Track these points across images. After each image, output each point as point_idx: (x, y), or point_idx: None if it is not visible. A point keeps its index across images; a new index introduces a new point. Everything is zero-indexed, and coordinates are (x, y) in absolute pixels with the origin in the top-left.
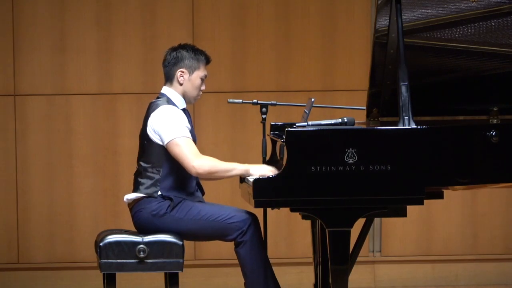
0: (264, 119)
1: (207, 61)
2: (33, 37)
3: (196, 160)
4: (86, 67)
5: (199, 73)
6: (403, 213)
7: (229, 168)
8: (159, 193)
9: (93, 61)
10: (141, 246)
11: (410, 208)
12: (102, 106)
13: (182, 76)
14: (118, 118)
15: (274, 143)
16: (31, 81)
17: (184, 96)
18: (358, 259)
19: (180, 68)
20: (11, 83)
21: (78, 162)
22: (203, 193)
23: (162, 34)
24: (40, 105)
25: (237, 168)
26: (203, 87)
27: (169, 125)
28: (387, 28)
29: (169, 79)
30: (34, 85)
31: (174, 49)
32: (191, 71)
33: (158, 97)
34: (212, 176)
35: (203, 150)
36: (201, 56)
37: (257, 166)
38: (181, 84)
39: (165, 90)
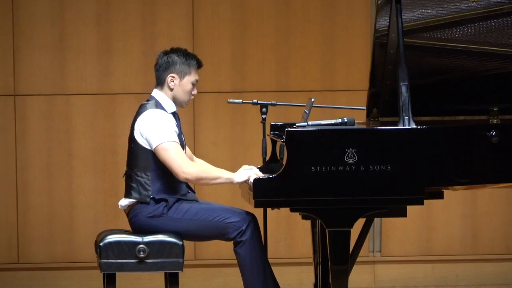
0: (264, 119)
1: (199, 65)
2: (33, 37)
3: (186, 166)
4: (86, 67)
5: (190, 78)
6: (403, 213)
7: (215, 176)
8: (151, 196)
9: (93, 61)
10: (141, 246)
11: (410, 208)
12: (102, 106)
13: (173, 81)
14: (118, 118)
15: (274, 143)
16: (31, 81)
17: (175, 100)
18: (358, 259)
19: (171, 73)
20: (11, 83)
21: (78, 162)
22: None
23: (162, 34)
24: (40, 105)
25: (222, 177)
26: (194, 92)
27: (156, 129)
28: (387, 28)
29: (160, 83)
30: (34, 85)
31: (165, 53)
32: (181, 76)
33: (148, 100)
34: (198, 183)
35: (203, 150)
36: (192, 60)
37: (238, 173)
38: (171, 89)
39: (155, 93)
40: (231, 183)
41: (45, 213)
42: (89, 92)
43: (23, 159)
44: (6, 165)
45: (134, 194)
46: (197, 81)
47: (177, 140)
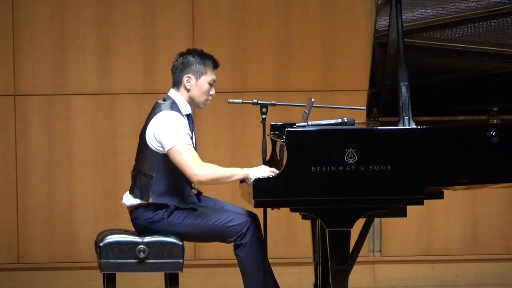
0: (264, 119)
1: (215, 65)
2: (33, 37)
3: (198, 169)
4: (86, 67)
5: (207, 77)
6: (403, 213)
7: (230, 175)
8: (151, 200)
9: (93, 61)
10: (141, 246)
11: (410, 208)
12: (102, 106)
13: (189, 82)
14: (118, 118)
15: (274, 143)
16: (31, 81)
17: (192, 101)
18: (358, 259)
19: (187, 74)
20: (11, 83)
21: (78, 162)
22: (200, 193)
23: (162, 34)
24: (40, 105)
25: (237, 173)
26: (212, 92)
27: (170, 132)
28: (387, 28)
29: (176, 84)
30: (34, 85)
31: (181, 54)
32: (197, 76)
33: (164, 99)
34: (213, 183)
35: (203, 151)
36: (207, 60)
37: (256, 169)
38: (188, 90)
39: (172, 93)
40: (247, 178)
41: (45, 213)
42: (89, 92)
43: (23, 159)
44: (6, 165)
45: (136, 191)
46: (214, 81)
47: (191, 142)
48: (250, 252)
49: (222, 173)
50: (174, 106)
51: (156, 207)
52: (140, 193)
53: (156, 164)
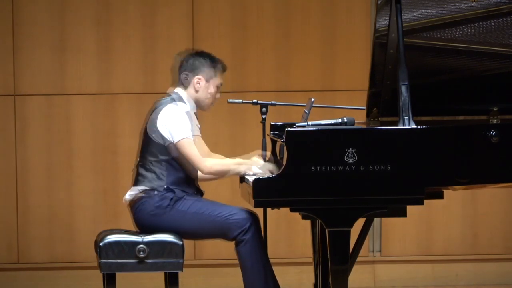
0: (264, 119)
1: (223, 69)
2: (33, 37)
3: (208, 160)
4: (86, 67)
5: (215, 81)
6: (403, 213)
7: (232, 168)
8: (165, 186)
9: (93, 61)
10: (141, 246)
11: (410, 208)
12: (102, 106)
13: (199, 83)
14: (118, 118)
15: (274, 143)
16: (31, 81)
17: (197, 102)
18: (358, 259)
19: (197, 75)
20: (11, 83)
21: (78, 162)
22: (202, 194)
23: (162, 34)
24: (40, 105)
25: (234, 168)
26: (218, 95)
27: (179, 123)
28: (387, 28)
29: (183, 83)
30: (34, 85)
31: (191, 55)
32: (208, 79)
33: (168, 95)
34: (219, 175)
35: None
36: (218, 64)
37: (242, 166)
38: (197, 91)
39: (179, 91)
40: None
41: (45, 213)
42: (89, 92)
43: (23, 159)
44: (6, 165)
45: (147, 182)
46: (221, 84)
47: (199, 133)
48: (251, 249)
49: (228, 166)
50: (181, 101)
51: (160, 198)
52: (144, 188)
53: (169, 154)
